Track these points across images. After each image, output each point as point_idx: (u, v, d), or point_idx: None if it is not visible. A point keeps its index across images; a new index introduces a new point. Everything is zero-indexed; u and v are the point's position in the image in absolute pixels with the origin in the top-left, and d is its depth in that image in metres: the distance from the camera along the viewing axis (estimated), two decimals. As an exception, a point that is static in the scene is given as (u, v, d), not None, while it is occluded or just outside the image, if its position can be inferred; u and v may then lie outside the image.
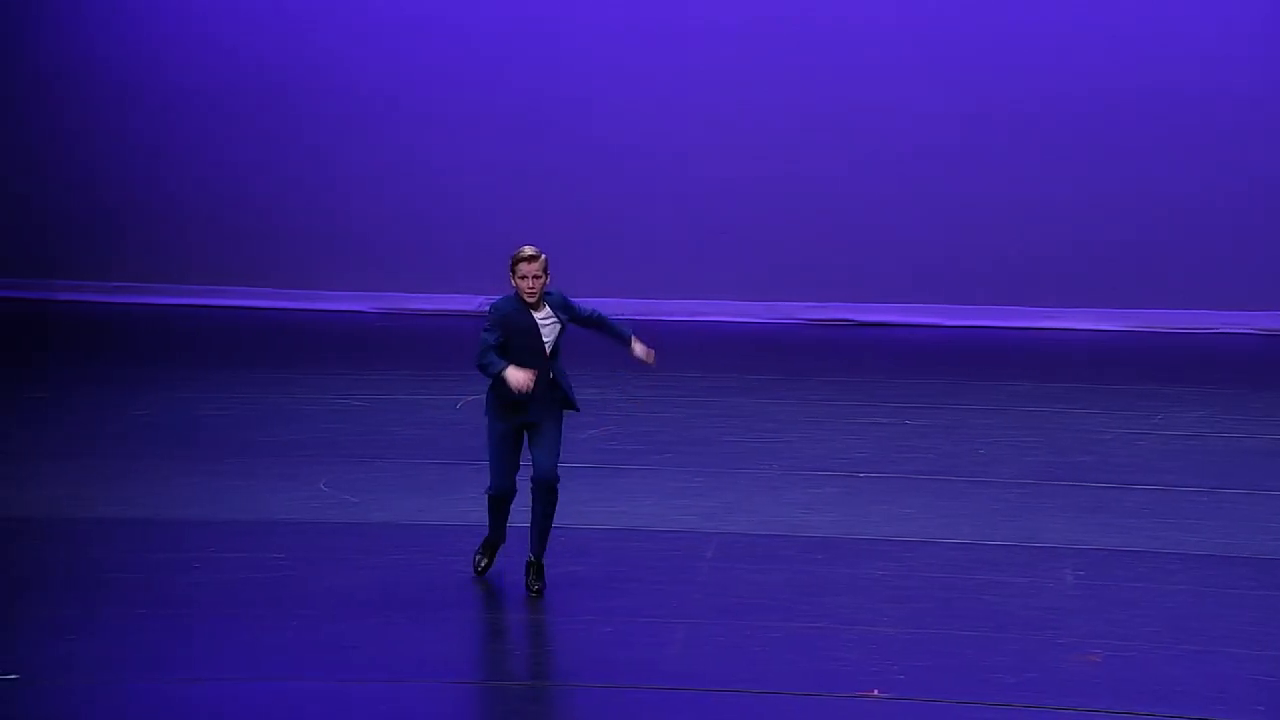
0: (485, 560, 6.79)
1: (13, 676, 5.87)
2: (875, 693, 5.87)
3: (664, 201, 12.75)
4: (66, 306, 12.73)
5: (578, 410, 6.69)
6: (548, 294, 6.57)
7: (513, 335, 6.50)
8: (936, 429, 9.48)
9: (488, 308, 6.62)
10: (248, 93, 12.82)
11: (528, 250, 6.48)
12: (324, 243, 12.96)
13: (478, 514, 7.53)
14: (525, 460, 6.73)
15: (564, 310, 6.58)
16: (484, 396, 6.62)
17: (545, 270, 6.51)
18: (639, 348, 6.68)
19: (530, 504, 6.65)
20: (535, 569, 6.66)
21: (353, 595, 6.72)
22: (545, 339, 6.52)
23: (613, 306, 12.80)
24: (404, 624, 6.45)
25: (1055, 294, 12.62)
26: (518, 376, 6.43)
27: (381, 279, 12.81)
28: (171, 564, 7.07)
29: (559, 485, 6.62)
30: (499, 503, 6.70)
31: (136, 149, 12.92)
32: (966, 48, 12.57)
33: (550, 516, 6.66)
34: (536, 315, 6.53)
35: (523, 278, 6.47)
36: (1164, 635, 6.42)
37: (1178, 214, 12.58)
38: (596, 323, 6.68)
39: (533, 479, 6.62)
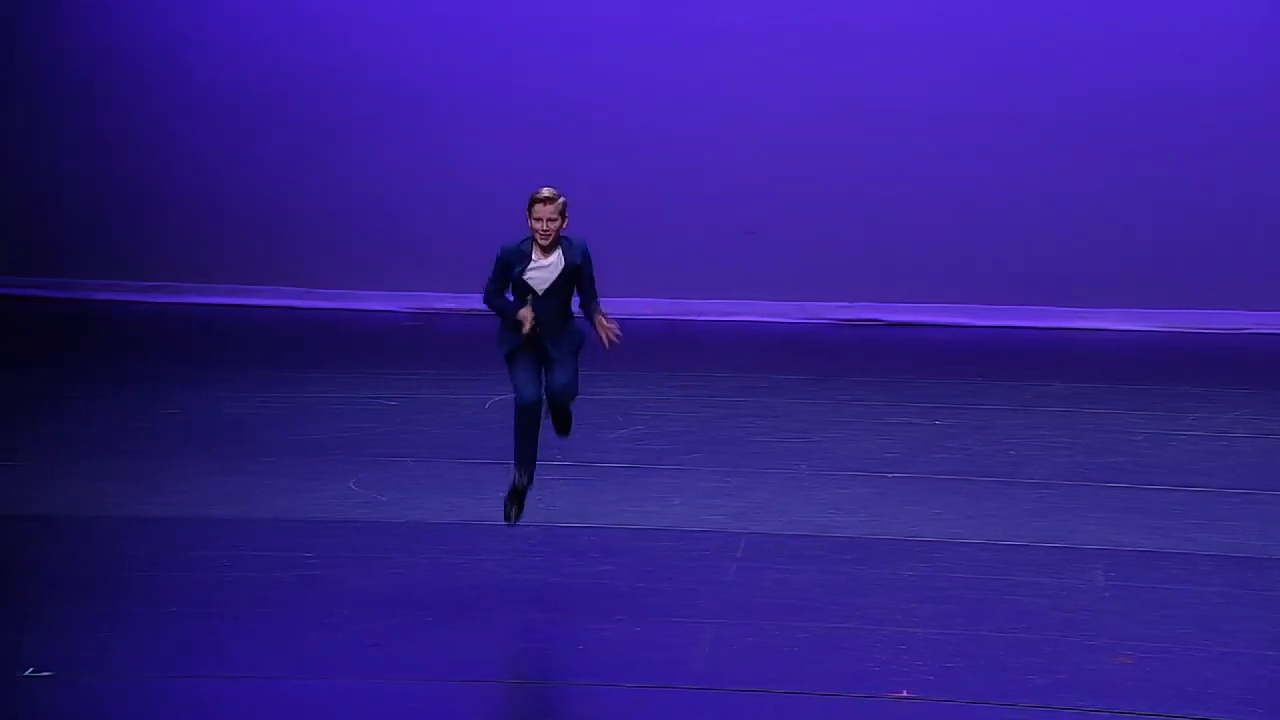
0: (516, 508, 6.50)
1: (46, 674, 5.91)
2: (904, 693, 5.85)
3: (694, 201, 12.73)
4: (98, 305, 12.80)
5: (584, 342, 6.49)
6: (567, 240, 6.40)
7: (513, 277, 6.39)
8: (966, 429, 9.44)
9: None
10: (278, 93, 12.86)
11: (545, 191, 6.34)
12: (353, 242, 12.98)
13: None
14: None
15: (583, 259, 6.37)
16: (497, 338, 6.45)
17: (562, 214, 6.34)
18: (602, 322, 6.40)
19: (549, 415, 6.49)
20: (523, 491, 6.50)
21: (382, 594, 6.73)
22: (536, 282, 6.35)
23: (643, 306, 12.92)
24: (432, 623, 6.46)
25: (1086, 294, 12.54)
26: (524, 313, 6.33)
27: (411, 278, 12.84)
28: (202, 562, 7.09)
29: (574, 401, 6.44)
30: (528, 417, 6.37)
31: (168, 149, 12.97)
32: (996, 46, 12.51)
33: (569, 422, 6.50)
34: (542, 262, 6.36)
35: (537, 219, 6.32)
36: (1196, 637, 6.37)
37: (1210, 213, 12.49)
38: (586, 294, 6.45)
39: (550, 395, 6.43)
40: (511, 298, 6.49)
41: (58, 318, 12.53)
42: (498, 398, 9.70)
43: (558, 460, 8.48)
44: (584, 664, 6.17)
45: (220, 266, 12.98)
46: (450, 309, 12.55)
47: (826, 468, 8.61)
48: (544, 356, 6.45)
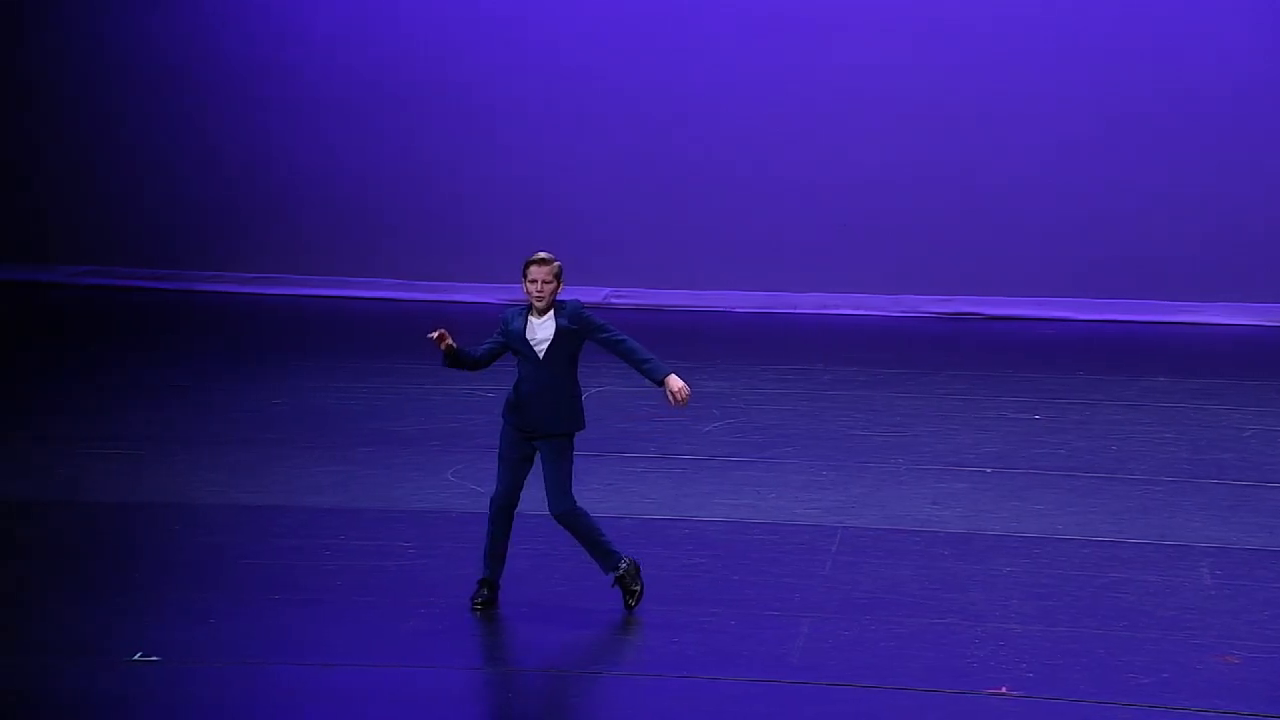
0: (485, 594, 6.38)
1: (155, 659, 6.03)
2: (1004, 690, 5.78)
3: (791, 194, 12.67)
4: (204, 297, 13.03)
5: (583, 428, 6.41)
6: (561, 304, 6.36)
7: (511, 341, 6.38)
8: (1069, 424, 9.29)
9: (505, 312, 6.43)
10: (373, 90, 12.98)
11: (540, 254, 6.36)
12: (451, 235, 13.09)
13: (606, 504, 7.54)
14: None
15: (575, 321, 6.31)
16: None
17: (557, 277, 6.31)
18: (675, 383, 6.26)
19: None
20: (618, 582, 6.43)
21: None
22: (538, 345, 6.32)
23: (739, 299, 12.88)
24: (529, 614, 6.49)
25: (1193, 287, 12.29)
26: (434, 336, 6.31)
27: (506, 271, 12.90)
28: (304, 550, 7.19)
29: (577, 510, 6.37)
30: (499, 515, 6.39)
31: (270, 146, 13.16)
32: (1101, 39, 12.29)
33: (592, 534, 6.40)
34: (536, 321, 6.35)
35: (531, 281, 6.31)
36: (1307, 638, 6.23)
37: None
38: (621, 351, 6.33)
39: (550, 512, 6.43)
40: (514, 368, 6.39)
41: (162, 309, 12.76)
42: (594, 390, 9.69)
43: (651, 452, 8.51)
44: (679, 657, 6.16)
45: (321, 259, 13.14)
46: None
47: (925, 462, 8.52)
48: (536, 438, 6.35)
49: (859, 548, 7.25)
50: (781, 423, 9.31)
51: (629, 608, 6.45)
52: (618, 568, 6.45)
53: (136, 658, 6.03)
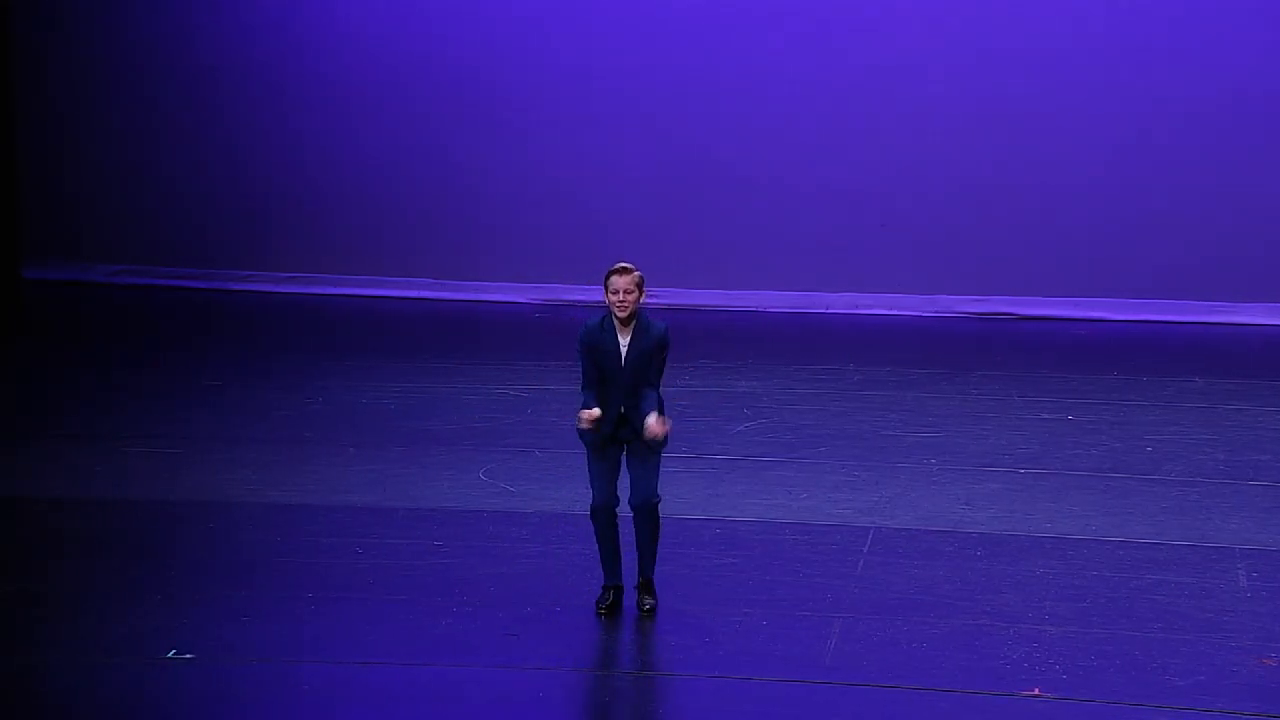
0: (609, 600, 6.43)
1: (188, 656, 6.07)
2: (1037, 691, 5.76)
3: (824, 194, 12.65)
4: (238, 297, 13.10)
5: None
6: (649, 323, 6.30)
7: (599, 357, 6.30)
8: (1103, 425, 9.24)
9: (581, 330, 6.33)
10: (406, 91, 13.03)
11: (621, 264, 6.29)
12: (483, 235, 13.13)
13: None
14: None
15: (659, 350, 6.26)
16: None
17: (639, 286, 6.25)
18: (651, 420, 6.22)
19: (634, 529, 6.43)
20: (644, 586, 6.47)
21: (512, 583, 6.80)
22: (625, 361, 6.26)
23: (773, 299, 12.86)
24: (562, 613, 6.51)
25: (1229, 288, 12.21)
26: (584, 413, 6.23)
27: (539, 270, 12.94)
28: (336, 549, 7.23)
29: (659, 506, 6.36)
30: (601, 519, 6.36)
31: (304, 147, 13.22)
32: (1133, 41, 12.23)
33: (655, 538, 6.41)
34: (622, 338, 6.28)
35: (614, 292, 6.21)
36: (1344, 641, 6.17)
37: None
38: (651, 379, 6.29)
39: (630, 503, 6.39)
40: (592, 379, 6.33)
41: (196, 308, 12.84)
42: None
43: (683, 452, 8.51)
44: (711, 657, 6.16)
45: (354, 259, 13.20)
46: (577, 300, 12.62)
47: (957, 462, 8.49)
48: (626, 436, 6.31)
49: (891, 548, 7.23)
50: (814, 423, 9.29)
51: (646, 610, 6.44)
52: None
53: (170, 655, 6.06)
